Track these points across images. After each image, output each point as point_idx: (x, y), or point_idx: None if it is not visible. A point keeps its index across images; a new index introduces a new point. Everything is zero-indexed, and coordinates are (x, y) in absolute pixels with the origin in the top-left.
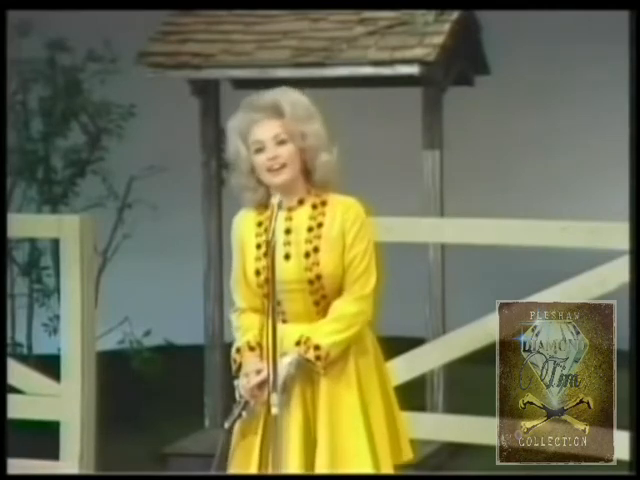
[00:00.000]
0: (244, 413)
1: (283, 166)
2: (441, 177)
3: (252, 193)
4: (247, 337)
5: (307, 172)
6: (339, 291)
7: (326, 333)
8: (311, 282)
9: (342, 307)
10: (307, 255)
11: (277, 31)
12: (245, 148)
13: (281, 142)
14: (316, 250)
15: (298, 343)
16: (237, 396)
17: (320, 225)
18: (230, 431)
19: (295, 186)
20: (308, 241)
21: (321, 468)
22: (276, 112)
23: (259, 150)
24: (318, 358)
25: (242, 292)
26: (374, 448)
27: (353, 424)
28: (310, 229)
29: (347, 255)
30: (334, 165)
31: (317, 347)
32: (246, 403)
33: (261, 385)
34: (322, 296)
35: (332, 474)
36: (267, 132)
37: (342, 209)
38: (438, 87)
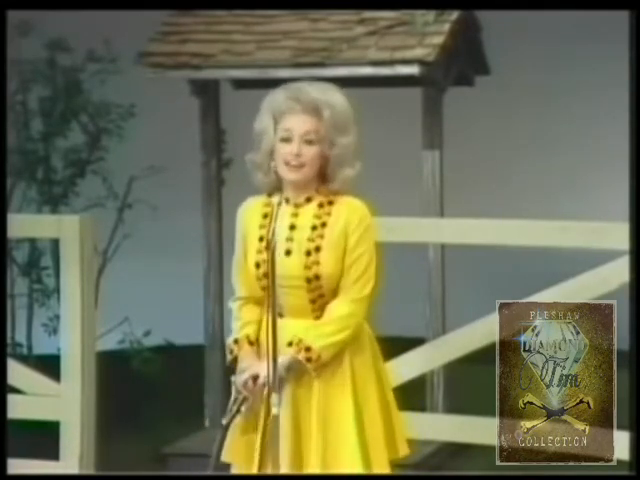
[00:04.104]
0: (242, 409)
1: (302, 165)
2: (441, 177)
3: (264, 175)
4: (247, 331)
5: (323, 175)
6: (336, 291)
7: (318, 335)
8: (309, 280)
9: (337, 309)
10: (308, 253)
11: (277, 31)
12: (273, 130)
13: (308, 142)
14: (317, 249)
15: (290, 344)
16: (233, 392)
17: (324, 225)
18: (227, 428)
19: (307, 184)
20: (311, 240)
21: (313, 466)
22: (314, 111)
23: (285, 139)
24: (309, 360)
25: (244, 281)
26: (365, 446)
27: (345, 422)
28: (314, 228)
29: (348, 257)
30: (354, 180)
31: (308, 349)
32: (244, 399)
33: (258, 381)
34: (319, 295)
35: (332, 474)
36: (299, 126)
37: (348, 211)
38: (438, 87)
